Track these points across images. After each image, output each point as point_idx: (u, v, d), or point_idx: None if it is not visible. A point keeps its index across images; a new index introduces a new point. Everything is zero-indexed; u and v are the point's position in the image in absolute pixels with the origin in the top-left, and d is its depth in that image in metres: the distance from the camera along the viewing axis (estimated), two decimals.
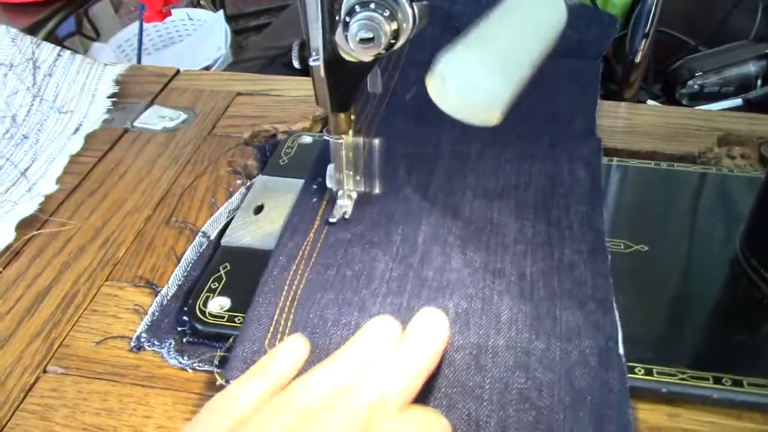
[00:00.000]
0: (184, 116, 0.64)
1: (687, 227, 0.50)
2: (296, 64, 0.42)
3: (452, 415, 0.35)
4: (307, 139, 0.59)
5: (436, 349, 0.34)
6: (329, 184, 0.48)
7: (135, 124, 0.63)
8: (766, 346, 0.41)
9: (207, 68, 1.65)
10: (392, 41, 0.35)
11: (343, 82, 0.41)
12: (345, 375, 0.32)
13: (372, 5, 0.34)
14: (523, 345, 0.38)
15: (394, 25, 0.35)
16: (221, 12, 1.77)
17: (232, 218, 0.51)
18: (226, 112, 0.64)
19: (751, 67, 0.79)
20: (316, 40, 0.39)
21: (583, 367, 0.37)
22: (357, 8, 0.34)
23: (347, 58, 0.38)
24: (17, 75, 0.62)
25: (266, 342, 0.39)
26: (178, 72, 0.71)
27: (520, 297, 0.41)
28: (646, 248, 0.47)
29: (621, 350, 0.38)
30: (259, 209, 0.51)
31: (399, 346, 0.33)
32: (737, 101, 0.78)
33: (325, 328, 0.40)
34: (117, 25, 1.89)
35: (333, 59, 0.39)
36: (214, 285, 0.44)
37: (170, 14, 1.22)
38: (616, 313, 0.40)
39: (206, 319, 0.42)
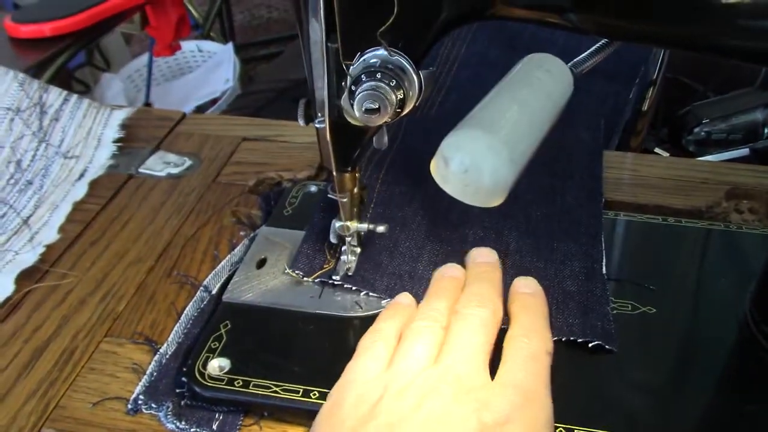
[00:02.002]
0: (189, 162, 0.64)
1: (695, 288, 0.49)
2: (301, 122, 0.42)
3: None
4: (312, 188, 0.58)
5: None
6: (332, 239, 0.48)
7: (140, 170, 0.63)
8: None
9: (215, 100, 1.67)
10: (398, 110, 0.35)
11: (348, 143, 0.41)
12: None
13: (378, 75, 0.34)
14: (525, 265, 0.49)
15: (401, 94, 0.34)
16: (230, 44, 1.78)
17: (235, 272, 0.50)
18: (232, 158, 0.64)
19: (758, 115, 0.79)
20: (322, 103, 0.39)
21: (573, 279, 0.48)
22: (363, 77, 0.34)
23: (352, 122, 0.38)
24: (23, 120, 0.62)
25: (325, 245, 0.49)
26: (184, 116, 0.71)
27: (527, 233, 0.51)
28: (654, 310, 0.47)
29: (604, 270, 0.48)
30: (261, 263, 0.51)
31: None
32: (744, 151, 0.77)
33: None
34: (128, 55, 1.91)
35: (338, 122, 0.39)
36: (214, 344, 0.44)
37: (180, 48, 1.23)
38: (603, 244, 0.50)
39: (205, 382, 0.41)
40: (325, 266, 0.49)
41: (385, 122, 0.35)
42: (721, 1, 0.32)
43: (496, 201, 0.31)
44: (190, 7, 1.85)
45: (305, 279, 0.48)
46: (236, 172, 0.62)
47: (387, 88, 0.34)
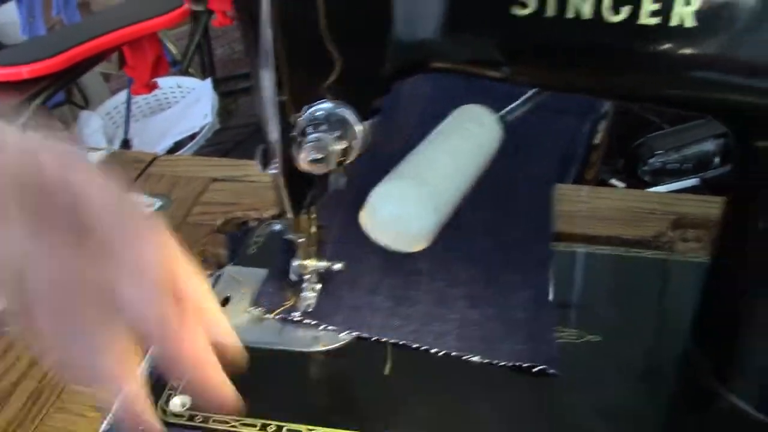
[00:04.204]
0: (159, 203, 0.66)
1: (640, 317, 0.52)
2: (259, 168, 0.44)
3: (424, 330, 0.48)
4: (276, 227, 0.61)
5: None
6: (293, 270, 0.50)
7: None
8: None
9: (193, 135, 1.69)
10: (342, 159, 0.37)
11: (302, 187, 0.43)
12: None
13: (322, 127, 0.37)
14: (475, 294, 0.51)
15: (344, 144, 0.37)
16: (209, 80, 1.81)
17: None
18: (201, 199, 0.66)
19: (709, 146, 0.82)
20: (275, 152, 0.41)
21: (520, 307, 0.50)
22: (308, 129, 0.37)
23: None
24: None
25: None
26: (156, 157, 0.73)
27: (477, 264, 0.54)
28: (599, 338, 0.49)
29: (550, 297, 0.51)
30: (225, 301, 0.52)
31: None
32: (695, 181, 0.81)
33: None
34: (106, 92, 1.93)
35: (292, 169, 0.41)
36: (176, 382, 0.45)
37: (157, 86, 1.26)
38: (550, 272, 0.53)
39: (166, 419, 0.43)
40: (286, 303, 0.51)
41: (331, 171, 0.37)
42: (658, 54, 0.35)
43: (420, 246, 0.33)
44: (169, 44, 1.88)
45: (267, 316, 0.50)
46: (205, 212, 0.64)
47: (330, 139, 0.36)
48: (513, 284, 0.52)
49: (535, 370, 0.45)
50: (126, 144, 1.67)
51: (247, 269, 0.56)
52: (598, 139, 0.72)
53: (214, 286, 0.55)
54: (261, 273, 0.54)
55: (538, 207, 0.61)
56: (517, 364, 0.45)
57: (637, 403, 0.45)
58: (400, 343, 0.47)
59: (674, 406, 0.46)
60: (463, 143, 0.37)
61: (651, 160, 0.83)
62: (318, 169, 0.37)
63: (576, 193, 0.67)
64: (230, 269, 0.56)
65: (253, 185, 0.68)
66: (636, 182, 0.84)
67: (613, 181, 0.83)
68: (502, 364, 0.45)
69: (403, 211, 0.32)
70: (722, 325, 0.45)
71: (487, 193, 0.60)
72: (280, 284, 0.53)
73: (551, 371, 0.45)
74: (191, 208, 0.65)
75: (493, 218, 0.59)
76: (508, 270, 0.54)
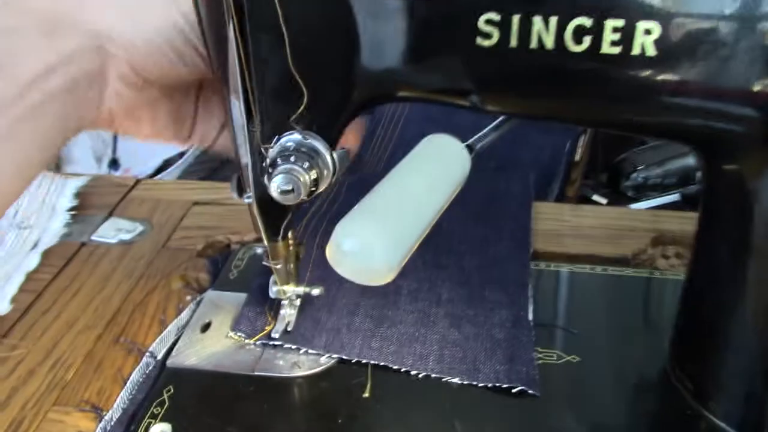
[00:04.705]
0: (140, 228, 0.66)
1: (621, 337, 0.52)
2: (234, 195, 0.45)
3: (404, 351, 0.48)
4: (258, 250, 0.61)
5: None
6: (272, 294, 0.50)
7: (92, 237, 0.65)
8: None
9: (183, 153, 1.69)
10: (313, 189, 0.38)
11: (276, 215, 0.44)
12: None
13: (292, 158, 0.37)
14: (457, 313, 0.52)
15: (314, 175, 0.37)
16: None
17: (180, 336, 0.52)
18: (182, 223, 0.67)
19: (690, 160, 0.83)
20: (248, 181, 0.41)
21: (500, 327, 0.50)
22: (279, 160, 0.37)
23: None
24: None
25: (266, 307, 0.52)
26: (138, 182, 0.74)
27: (459, 283, 0.55)
28: (578, 359, 0.49)
29: (530, 316, 0.51)
30: (206, 327, 0.53)
31: None
32: (676, 196, 0.81)
33: None
34: None
35: (265, 197, 0.42)
36: (157, 410, 0.45)
37: None
38: (530, 291, 0.54)
39: None
40: (266, 327, 0.51)
41: (302, 201, 0.38)
42: (621, 82, 0.35)
43: (386, 280, 0.34)
44: None
45: (247, 341, 0.50)
46: (186, 237, 0.65)
47: (300, 170, 0.37)
48: (494, 303, 0.53)
49: (514, 390, 0.45)
50: (114, 163, 1.67)
51: (228, 293, 0.56)
52: (578, 156, 0.72)
53: (194, 311, 0.55)
54: (242, 297, 0.55)
55: (521, 225, 0.62)
56: (497, 385, 0.45)
57: (617, 425, 0.46)
58: (380, 364, 0.47)
59: (655, 427, 0.46)
60: (430, 175, 0.37)
61: (633, 175, 0.84)
62: (288, 200, 0.37)
63: (557, 211, 0.68)
64: (211, 294, 0.56)
65: (234, 208, 0.68)
66: (619, 197, 0.85)
67: (596, 197, 0.84)
68: (482, 385, 0.46)
69: (366, 246, 0.33)
70: (699, 345, 0.46)
71: (471, 209, 0.62)
72: (260, 309, 0.53)
73: (531, 392, 0.45)
74: (172, 232, 0.65)
75: (478, 236, 0.60)
76: (489, 289, 0.54)
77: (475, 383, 0.46)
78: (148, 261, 0.61)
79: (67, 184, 0.70)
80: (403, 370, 0.47)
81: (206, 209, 0.68)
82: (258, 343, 0.50)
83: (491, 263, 0.57)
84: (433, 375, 0.47)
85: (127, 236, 0.65)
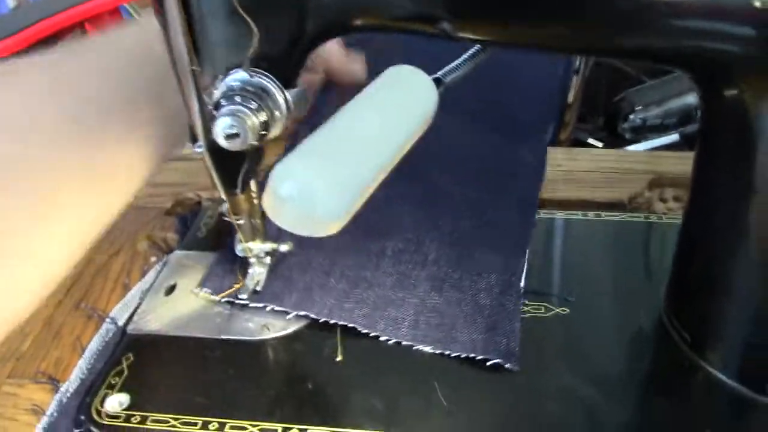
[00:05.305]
0: None
1: (613, 285, 0.48)
2: (189, 146, 0.41)
3: (377, 314, 0.45)
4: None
5: None
6: (238, 252, 0.47)
7: None
8: (690, 416, 0.40)
9: None
10: (263, 132, 0.33)
11: (232, 165, 0.40)
12: None
13: (237, 98, 0.33)
14: (440, 276, 0.48)
15: (263, 116, 0.33)
16: None
17: (143, 300, 0.49)
18: (151, 179, 0.63)
19: (691, 99, 0.78)
20: (198, 128, 0.37)
21: (487, 292, 0.46)
22: (222, 102, 0.33)
23: None
24: None
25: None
26: None
27: (449, 244, 0.51)
28: (567, 311, 0.46)
29: (522, 283, 0.47)
30: (171, 289, 0.49)
31: None
32: (675, 137, 0.77)
33: None
34: None
35: (217, 146, 0.38)
36: (114, 380, 0.42)
37: None
38: (526, 257, 0.49)
39: (101, 420, 0.40)
40: (235, 285, 0.48)
41: (251, 146, 0.34)
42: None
43: (329, 231, 0.30)
44: (136, 16, 1.82)
45: (213, 298, 0.47)
46: (153, 195, 0.61)
47: (247, 111, 0.33)
48: (483, 266, 0.49)
49: (488, 363, 0.42)
50: None
51: (197, 253, 0.52)
52: (570, 98, 0.68)
53: (160, 272, 0.51)
54: (210, 257, 0.51)
55: (529, 195, 0.57)
56: (471, 356, 0.42)
57: (611, 377, 0.42)
58: (349, 326, 0.44)
59: (650, 378, 0.43)
60: (388, 110, 0.33)
61: (631, 117, 0.79)
62: (235, 146, 0.33)
63: (549, 156, 0.63)
64: (178, 254, 0.53)
65: None
66: (616, 141, 0.81)
67: (591, 141, 0.80)
68: (456, 355, 0.42)
69: (306, 190, 0.28)
70: (696, 293, 0.42)
71: (473, 171, 0.58)
72: (231, 267, 0.49)
73: (507, 365, 0.41)
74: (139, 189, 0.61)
75: (479, 199, 0.56)
76: (481, 251, 0.50)
77: (448, 353, 0.42)
78: (112, 223, 0.58)
79: None
80: (372, 335, 0.44)
81: (176, 165, 0.64)
82: (224, 302, 0.47)
83: (488, 225, 0.53)
84: (404, 343, 0.43)
85: None
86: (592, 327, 0.45)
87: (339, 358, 0.43)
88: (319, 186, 0.28)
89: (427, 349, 0.42)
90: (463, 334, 0.43)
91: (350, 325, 0.44)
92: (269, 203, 0.29)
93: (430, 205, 0.54)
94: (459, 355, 0.42)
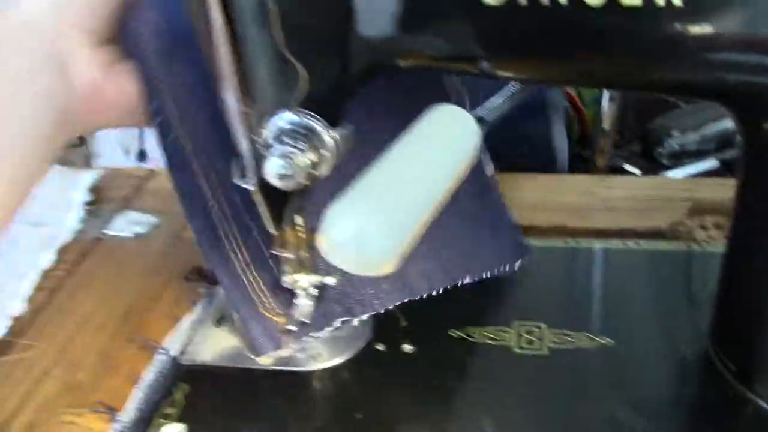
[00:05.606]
0: (155, 220, 0.64)
1: (656, 315, 0.49)
2: (237, 180, 0.42)
3: (410, 280, 0.47)
4: None
5: None
6: (285, 284, 0.48)
7: (106, 231, 0.63)
8: None
9: None
10: (312, 172, 0.35)
11: (280, 201, 0.41)
12: None
13: (287, 139, 0.34)
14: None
15: (312, 156, 0.35)
16: None
17: (195, 331, 0.50)
18: None
19: (728, 124, 0.78)
20: (248, 165, 0.39)
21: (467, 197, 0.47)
22: (273, 143, 0.35)
23: None
24: None
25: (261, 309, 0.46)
26: (152, 172, 0.72)
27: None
28: (612, 342, 0.46)
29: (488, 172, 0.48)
30: (220, 320, 0.51)
31: None
32: (714, 162, 0.77)
33: None
34: None
35: (265, 182, 0.39)
36: (170, 410, 0.44)
37: None
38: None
39: None
40: (277, 320, 0.48)
41: (303, 185, 0.35)
42: (645, 36, 0.32)
43: (385, 271, 0.31)
44: None
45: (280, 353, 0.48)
46: None
47: (297, 151, 0.34)
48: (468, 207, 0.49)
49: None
50: (142, 155, 1.67)
51: None
52: (607, 125, 0.68)
53: (210, 304, 0.53)
54: None
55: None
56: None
57: (657, 408, 0.42)
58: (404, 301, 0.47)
59: (696, 409, 0.43)
60: (434, 150, 0.34)
61: (668, 142, 0.79)
62: (286, 185, 0.35)
63: (586, 184, 0.64)
64: None
65: None
66: (653, 166, 0.81)
67: (628, 167, 0.80)
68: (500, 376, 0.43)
69: (360, 234, 0.29)
70: (741, 323, 0.42)
71: None
72: (258, 316, 0.49)
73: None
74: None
75: None
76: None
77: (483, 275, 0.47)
78: (162, 254, 0.60)
79: (81, 179, 0.69)
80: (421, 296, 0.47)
81: None
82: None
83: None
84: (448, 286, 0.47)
85: (141, 229, 0.63)
86: (636, 357, 0.45)
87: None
88: (372, 229, 0.29)
89: (467, 280, 0.47)
90: (481, 256, 0.47)
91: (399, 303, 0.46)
92: (324, 245, 0.30)
93: None
94: (504, 385, 0.43)
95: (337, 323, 0.47)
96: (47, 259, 0.61)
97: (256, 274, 0.47)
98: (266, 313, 0.47)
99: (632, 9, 0.31)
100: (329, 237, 0.30)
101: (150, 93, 0.43)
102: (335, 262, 0.30)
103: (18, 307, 0.56)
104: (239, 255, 0.47)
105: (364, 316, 0.47)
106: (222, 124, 0.38)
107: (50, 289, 0.58)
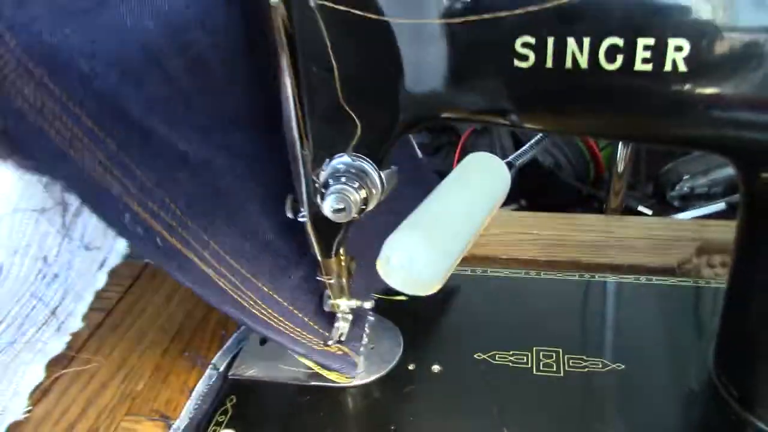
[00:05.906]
0: None
1: (665, 344, 0.53)
2: (289, 214, 0.47)
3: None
4: None
5: None
6: (326, 307, 0.53)
7: None
8: None
9: None
10: (363, 207, 0.40)
11: (330, 233, 0.46)
12: None
13: (343, 178, 0.40)
14: None
15: (364, 194, 0.40)
16: None
17: (241, 349, 0.55)
18: None
19: None
20: (303, 201, 0.44)
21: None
22: (330, 182, 0.40)
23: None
24: (48, 218, 0.68)
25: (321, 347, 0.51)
26: None
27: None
28: (623, 366, 0.50)
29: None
30: (264, 340, 0.56)
31: None
32: (722, 205, 0.81)
33: None
34: None
35: (318, 216, 0.44)
36: (221, 418, 0.48)
37: None
38: None
39: None
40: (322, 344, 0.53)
41: (354, 218, 0.40)
42: (654, 97, 0.37)
43: (432, 290, 0.36)
44: None
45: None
46: None
47: (351, 189, 0.39)
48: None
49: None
50: None
51: None
52: (621, 168, 0.73)
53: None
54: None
55: None
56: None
57: (664, 429, 0.46)
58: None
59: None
60: (473, 190, 0.39)
61: (679, 185, 0.84)
62: (340, 218, 0.40)
63: (602, 223, 0.69)
64: None
65: None
66: (665, 208, 0.85)
67: (641, 208, 0.84)
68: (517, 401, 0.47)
69: (413, 260, 0.35)
70: (743, 352, 0.46)
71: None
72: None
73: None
74: None
75: None
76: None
77: None
78: None
79: None
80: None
81: None
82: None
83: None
84: None
85: None
86: (646, 382, 0.49)
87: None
88: (423, 256, 0.35)
89: None
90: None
91: None
92: (382, 269, 0.35)
93: None
94: (523, 403, 0.47)
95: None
96: (100, 281, 0.66)
97: (290, 324, 0.50)
98: (327, 348, 0.52)
99: (643, 73, 0.36)
100: (388, 262, 0.35)
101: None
102: (392, 283, 0.35)
103: (75, 324, 0.61)
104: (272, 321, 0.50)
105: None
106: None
107: (104, 309, 0.63)
